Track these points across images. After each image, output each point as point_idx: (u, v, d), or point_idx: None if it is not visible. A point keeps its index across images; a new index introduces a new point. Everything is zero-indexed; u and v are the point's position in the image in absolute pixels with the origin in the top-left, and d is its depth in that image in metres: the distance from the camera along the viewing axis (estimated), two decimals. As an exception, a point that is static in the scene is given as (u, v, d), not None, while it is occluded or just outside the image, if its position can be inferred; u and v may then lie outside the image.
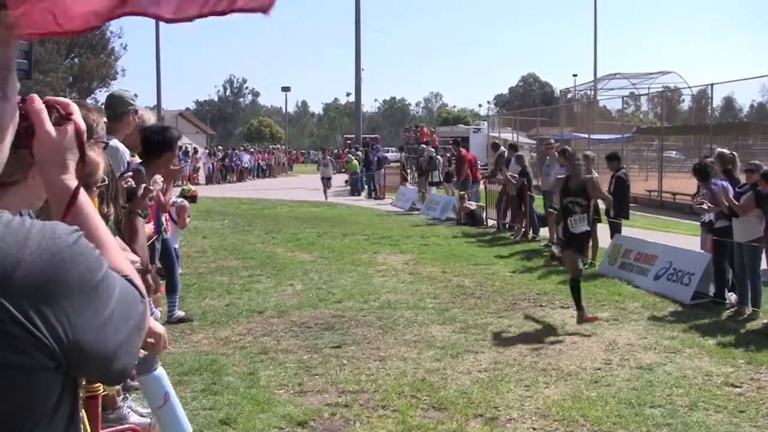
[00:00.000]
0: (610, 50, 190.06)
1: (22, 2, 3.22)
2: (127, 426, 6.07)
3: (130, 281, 1.76)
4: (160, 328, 2.83)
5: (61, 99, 1.93)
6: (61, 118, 1.89)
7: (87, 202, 1.90)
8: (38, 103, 1.84)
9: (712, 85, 28.32)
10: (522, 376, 7.75)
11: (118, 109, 6.41)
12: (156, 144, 6.40)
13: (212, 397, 7.00)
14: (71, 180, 1.88)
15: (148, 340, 2.79)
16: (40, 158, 1.88)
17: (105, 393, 5.70)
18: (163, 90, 78.99)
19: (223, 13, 3.57)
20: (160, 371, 2.86)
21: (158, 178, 6.31)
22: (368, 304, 11.12)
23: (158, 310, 10.12)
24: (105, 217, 4.69)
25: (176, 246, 10.41)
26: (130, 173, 5.84)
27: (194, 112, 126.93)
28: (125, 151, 6.29)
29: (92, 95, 67.00)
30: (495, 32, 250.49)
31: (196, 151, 53.07)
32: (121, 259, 1.85)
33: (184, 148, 49.41)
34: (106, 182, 3.61)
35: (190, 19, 3.66)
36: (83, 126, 1.90)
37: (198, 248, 16.81)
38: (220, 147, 61.40)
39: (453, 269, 14.22)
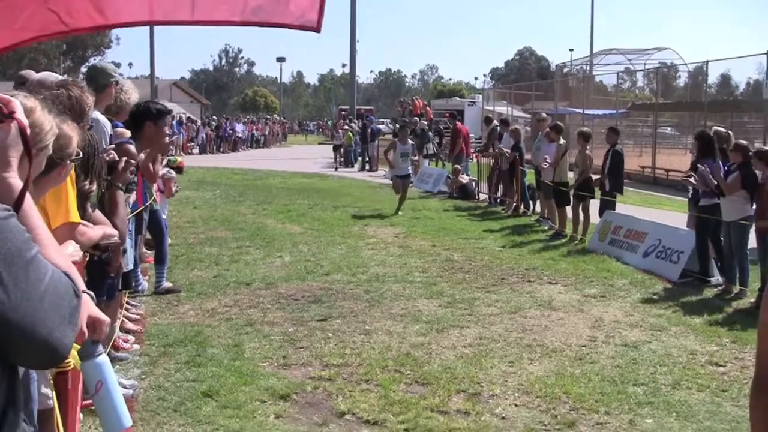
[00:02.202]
0: (607, 25, 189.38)
1: (29, 4, 3.20)
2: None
3: (68, 276, 1.76)
4: (102, 315, 2.80)
5: (2, 96, 1.92)
6: (3, 116, 1.87)
7: (30, 202, 1.90)
8: None
9: (707, 62, 28.28)
10: (506, 352, 7.75)
11: (100, 81, 6.37)
12: (133, 116, 6.37)
13: (196, 369, 6.99)
14: (14, 178, 1.88)
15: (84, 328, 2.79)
16: None
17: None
18: (158, 59, 78.64)
19: (265, 24, 3.57)
20: (101, 359, 2.83)
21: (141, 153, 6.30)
22: (356, 277, 11.11)
23: (145, 280, 10.15)
24: (87, 192, 4.66)
25: (164, 217, 10.39)
26: (113, 146, 5.82)
27: (189, 81, 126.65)
28: (106, 123, 6.26)
29: (86, 63, 66.66)
30: (492, 5, 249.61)
31: (191, 120, 52.96)
32: (61, 256, 1.86)
33: (178, 118, 49.32)
34: (81, 156, 3.57)
35: (223, 24, 3.64)
36: (26, 122, 1.88)
37: (188, 218, 16.78)
38: (214, 117, 61.25)
39: (443, 243, 14.21)
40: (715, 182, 10.35)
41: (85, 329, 2.77)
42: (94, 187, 4.73)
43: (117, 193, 5.43)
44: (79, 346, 2.76)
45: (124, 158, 5.55)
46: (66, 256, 1.92)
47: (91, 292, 2.89)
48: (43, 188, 3.48)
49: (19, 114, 1.89)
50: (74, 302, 1.75)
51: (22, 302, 1.59)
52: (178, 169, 11.81)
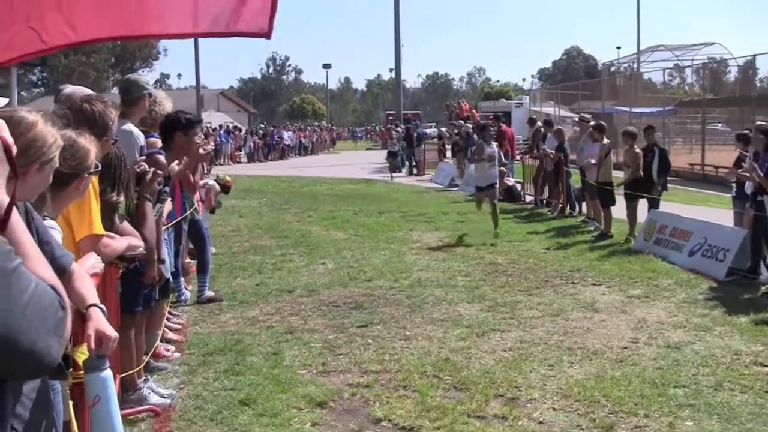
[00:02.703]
0: (654, 21, 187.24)
1: (11, 25, 3.26)
2: (146, 407, 6.13)
3: (54, 289, 1.77)
4: (110, 331, 2.83)
5: None
6: None
7: (17, 217, 1.92)
8: None
9: (754, 55, 27.86)
10: (547, 356, 7.67)
11: (134, 93, 6.47)
12: (163, 127, 6.44)
13: (234, 378, 7.02)
14: (1, 194, 1.90)
15: (90, 343, 2.81)
16: None
17: (124, 375, 5.77)
18: (207, 69, 79.84)
19: (222, 35, 3.65)
20: (105, 374, 2.86)
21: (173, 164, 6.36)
22: (398, 282, 11.09)
23: (188, 290, 10.23)
24: (115, 204, 4.72)
25: (206, 226, 10.46)
26: (143, 157, 5.89)
27: (238, 90, 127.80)
28: (139, 135, 6.33)
29: (135, 75, 67.42)
30: (538, 5, 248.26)
31: (238, 129, 53.43)
32: (46, 268, 1.87)
33: (225, 127, 49.81)
34: (99, 168, 3.61)
35: (185, 37, 3.75)
36: (10, 140, 1.90)
37: (233, 227, 16.91)
38: (261, 125, 61.73)
39: (487, 246, 14.13)
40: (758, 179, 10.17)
41: (92, 344, 2.80)
42: (122, 198, 4.78)
43: (145, 204, 5.48)
44: (86, 356, 2.80)
45: (152, 169, 5.60)
46: (51, 269, 1.93)
47: (103, 306, 2.92)
48: (64, 201, 3.53)
49: (4, 132, 1.91)
50: (60, 314, 1.77)
51: (3, 313, 1.60)
52: (225, 188, 11.85)
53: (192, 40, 48.82)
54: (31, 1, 3.12)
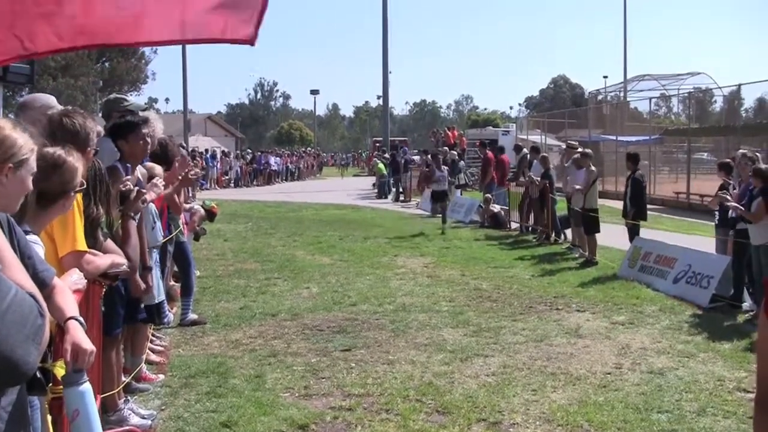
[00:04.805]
0: (640, 51, 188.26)
1: None
2: (127, 428, 6.08)
3: (33, 297, 1.76)
4: (86, 344, 2.81)
5: None
6: None
7: None
8: None
9: (739, 85, 28.11)
10: (530, 381, 7.67)
11: (104, 111, 6.54)
12: (111, 138, 6.37)
13: (216, 400, 6.98)
14: None
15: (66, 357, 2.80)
16: None
17: (104, 395, 5.72)
18: (195, 93, 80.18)
19: (206, 41, 3.68)
20: (84, 387, 2.84)
21: (159, 181, 6.33)
22: (383, 307, 11.08)
23: (171, 312, 10.18)
24: (96, 219, 4.70)
25: (190, 250, 10.42)
26: (128, 177, 5.87)
27: (226, 115, 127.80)
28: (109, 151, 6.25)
29: (123, 99, 67.38)
30: (526, 34, 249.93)
31: (225, 154, 53.41)
32: (24, 277, 1.87)
33: (212, 151, 49.76)
34: (85, 186, 3.61)
35: (166, 44, 3.86)
36: None
37: (218, 251, 16.86)
38: (248, 150, 61.69)
39: (472, 272, 14.15)
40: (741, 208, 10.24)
41: (68, 357, 2.78)
42: (101, 211, 4.76)
43: (129, 222, 5.48)
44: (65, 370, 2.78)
45: (136, 188, 5.60)
46: (29, 278, 1.92)
47: (81, 319, 2.91)
48: (49, 217, 3.52)
49: None
50: (39, 321, 1.76)
51: None
52: (210, 215, 11.79)
53: (181, 63, 48.99)
54: (17, 9, 3.13)
